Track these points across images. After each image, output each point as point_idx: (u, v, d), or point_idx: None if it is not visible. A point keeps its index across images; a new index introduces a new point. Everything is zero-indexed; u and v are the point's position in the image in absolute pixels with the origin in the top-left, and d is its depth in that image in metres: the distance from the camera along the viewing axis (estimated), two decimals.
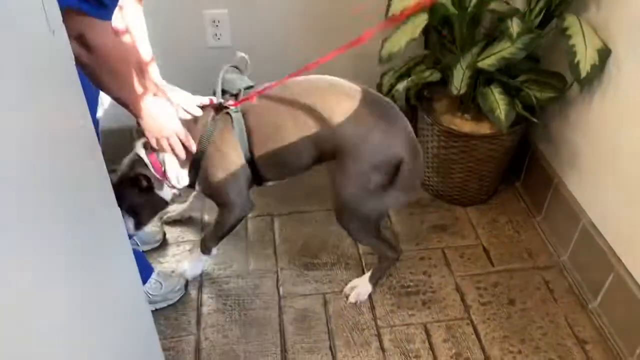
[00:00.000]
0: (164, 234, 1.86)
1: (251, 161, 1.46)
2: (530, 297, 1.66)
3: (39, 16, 0.68)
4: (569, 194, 1.75)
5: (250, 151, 1.45)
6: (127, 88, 1.26)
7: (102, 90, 1.27)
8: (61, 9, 0.72)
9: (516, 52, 1.58)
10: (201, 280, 1.71)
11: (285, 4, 1.90)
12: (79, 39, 1.10)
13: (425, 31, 1.84)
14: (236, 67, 1.55)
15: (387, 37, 1.76)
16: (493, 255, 1.80)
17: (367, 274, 1.66)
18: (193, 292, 1.67)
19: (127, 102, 1.29)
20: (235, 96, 1.47)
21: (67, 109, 0.78)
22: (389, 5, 1.78)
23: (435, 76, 1.73)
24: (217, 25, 1.91)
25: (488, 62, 1.62)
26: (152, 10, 1.83)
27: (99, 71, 1.18)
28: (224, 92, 1.48)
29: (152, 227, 1.82)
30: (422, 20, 1.71)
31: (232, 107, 1.44)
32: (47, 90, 0.71)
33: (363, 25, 1.89)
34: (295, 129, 1.42)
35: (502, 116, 1.62)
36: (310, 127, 1.41)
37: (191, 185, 1.52)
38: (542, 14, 1.63)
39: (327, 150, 1.43)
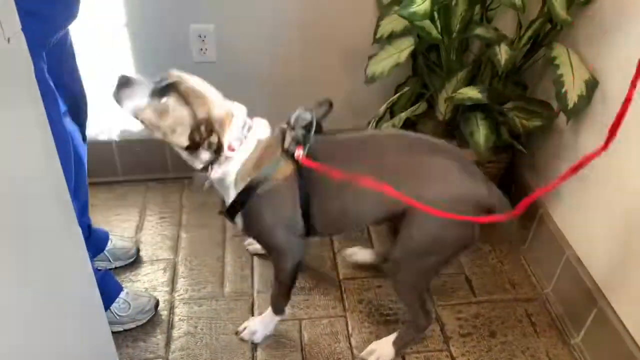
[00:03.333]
0: (138, 251, 1.80)
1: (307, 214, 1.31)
2: (512, 330, 1.62)
3: None
4: (553, 225, 1.72)
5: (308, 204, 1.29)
6: None
7: None
8: None
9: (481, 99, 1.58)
10: (173, 301, 1.65)
11: (272, 19, 1.88)
12: None
13: (413, 55, 1.83)
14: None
15: (373, 55, 1.74)
16: (475, 285, 1.75)
17: (392, 336, 1.51)
18: (164, 314, 1.61)
19: None
20: (304, 137, 1.25)
21: (24, 122, 0.74)
22: (377, 27, 1.77)
23: (422, 107, 1.71)
24: (203, 40, 1.88)
25: (461, 97, 1.60)
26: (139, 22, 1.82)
27: None
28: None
29: (124, 243, 1.77)
30: (407, 44, 1.69)
31: (302, 163, 1.22)
32: (2, 102, 0.67)
33: (354, 42, 1.90)
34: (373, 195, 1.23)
35: (481, 140, 1.60)
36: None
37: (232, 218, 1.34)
38: (530, 42, 1.61)
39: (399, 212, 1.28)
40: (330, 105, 1.31)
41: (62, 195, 0.84)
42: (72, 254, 0.89)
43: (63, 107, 1.33)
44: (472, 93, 1.61)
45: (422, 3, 1.43)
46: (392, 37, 1.74)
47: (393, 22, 1.72)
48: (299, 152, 1.23)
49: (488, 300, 1.71)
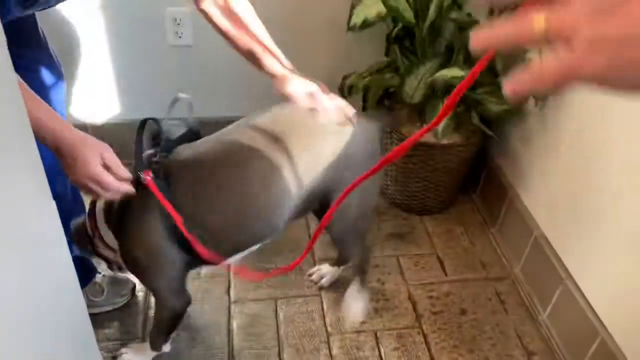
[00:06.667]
0: None
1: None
2: (482, 307, 1.67)
3: None
4: (523, 207, 1.77)
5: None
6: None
7: None
8: None
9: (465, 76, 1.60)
10: None
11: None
12: None
13: (387, 39, 1.85)
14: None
15: (358, 2, 1.75)
16: (447, 265, 1.80)
17: (353, 288, 1.58)
18: (140, 295, 1.63)
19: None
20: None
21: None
22: (350, 16, 1.79)
23: (395, 80, 1.74)
24: (178, 24, 1.88)
25: (444, 77, 1.63)
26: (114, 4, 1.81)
27: None
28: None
29: None
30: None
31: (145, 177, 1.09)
32: None
33: (331, 28, 1.92)
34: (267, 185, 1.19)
35: (440, 128, 1.63)
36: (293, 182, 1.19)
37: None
38: None
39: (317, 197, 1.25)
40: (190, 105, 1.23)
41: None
42: (44, 222, 0.90)
43: None
44: (454, 72, 1.63)
45: None
46: (364, 25, 1.76)
47: (365, 10, 1.74)
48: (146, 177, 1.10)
49: (459, 279, 1.76)
